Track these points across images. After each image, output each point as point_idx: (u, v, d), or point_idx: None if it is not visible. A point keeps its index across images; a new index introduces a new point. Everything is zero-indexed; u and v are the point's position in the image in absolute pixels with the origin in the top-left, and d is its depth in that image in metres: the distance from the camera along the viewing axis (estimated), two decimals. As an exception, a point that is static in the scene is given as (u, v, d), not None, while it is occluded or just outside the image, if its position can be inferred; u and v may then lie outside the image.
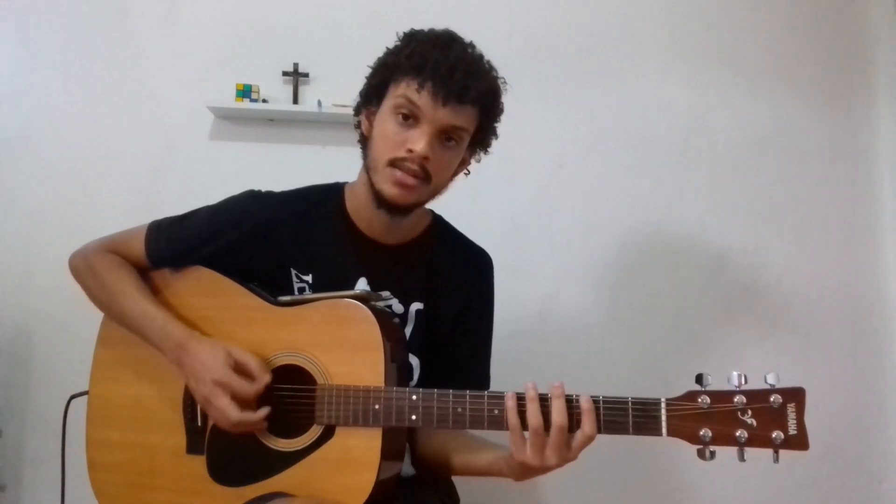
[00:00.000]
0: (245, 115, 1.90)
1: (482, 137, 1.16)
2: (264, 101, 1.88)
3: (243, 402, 1.02)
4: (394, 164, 1.06)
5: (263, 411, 1.03)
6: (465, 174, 1.21)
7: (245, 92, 1.86)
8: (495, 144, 1.93)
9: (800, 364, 1.95)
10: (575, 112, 1.99)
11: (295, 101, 1.90)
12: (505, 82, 1.15)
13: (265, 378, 1.03)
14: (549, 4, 2.01)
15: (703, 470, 1.92)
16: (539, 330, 1.92)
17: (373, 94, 1.12)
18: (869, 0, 2.08)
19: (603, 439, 1.88)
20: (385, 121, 1.08)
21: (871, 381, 1.99)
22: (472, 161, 1.20)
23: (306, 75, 1.91)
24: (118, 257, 1.18)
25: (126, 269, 1.16)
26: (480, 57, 1.11)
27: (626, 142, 1.99)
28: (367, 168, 1.12)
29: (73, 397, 1.24)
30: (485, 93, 1.08)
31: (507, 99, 2.07)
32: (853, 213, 2.03)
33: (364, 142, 1.15)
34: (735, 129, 2.01)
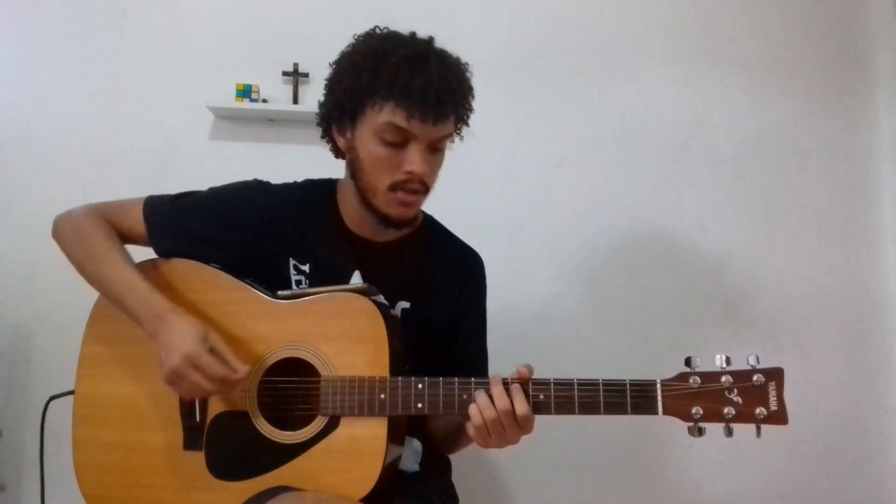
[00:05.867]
0: (245, 115, 1.90)
1: (460, 128, 1.16)
2: (264, 101, 1.88)
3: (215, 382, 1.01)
4: (395, 187, 1.08)
5: (244, 369, 1.01)
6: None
7: (245, 92, 1.86)
8: (495, 145, 1.95)
9: (800, 364, 1.95)
10: (575, 112, 1.99)
11: (295, 101, 1.90)
12: (469, 68, 1.12)
13: (242, 368, 1.02)
14: (549, 4, 2.01)
15: (703, 470, 1.92)
16: (539, 330, 1.92)
17: (342, 115, 1.10)
18: (869, 0, 2.09)
19: (602, 441, 1.90)
20: (371, 144, 1.07)
21: (871, 381, 1.99)
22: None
23: (306, 75, 1.91)
24: (108, 225, 1.16)
25: (115, 238, 1.15)
26: (457, 63, 1.09)
27: (626, 142, 1.99)
28: (361, 189, 1.12)
29: (52, 398, 1.20)
30: (464, 99, 1.09)
31: (506, 99, 2.07)
32: (853, 213, 2.03)
33: (339, 154, 1.16)
34: (735, 129, 2.01)
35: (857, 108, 2.06)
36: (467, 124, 1.16)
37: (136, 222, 1.17)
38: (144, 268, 1.14)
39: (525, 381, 1.00)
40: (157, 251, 1.18)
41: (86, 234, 1.14)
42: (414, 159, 1.05)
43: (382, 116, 1.04)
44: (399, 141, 1.05)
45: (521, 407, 0.97)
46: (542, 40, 2.00)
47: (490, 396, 0.99)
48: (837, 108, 2.05)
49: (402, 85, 1.01)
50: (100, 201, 1.21)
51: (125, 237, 1.17)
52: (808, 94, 2.04)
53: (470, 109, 1.14)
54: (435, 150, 1.09)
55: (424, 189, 1.10)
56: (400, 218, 1.12)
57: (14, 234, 1.85)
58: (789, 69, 2.04)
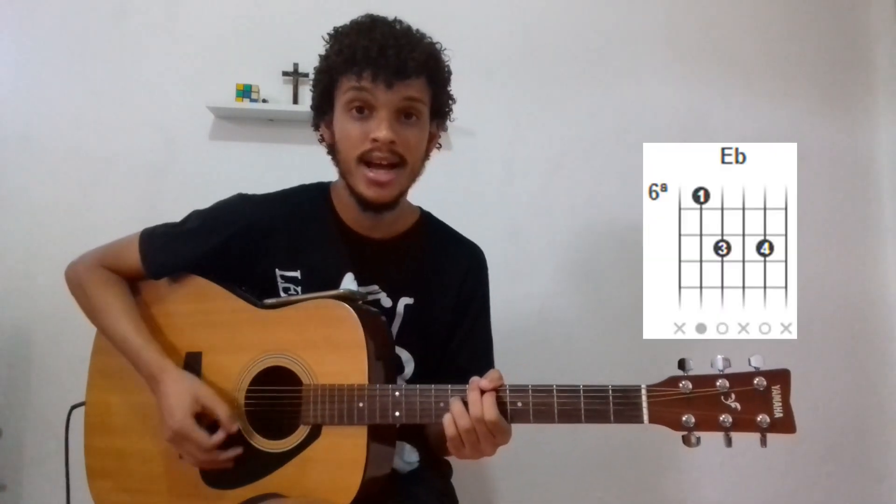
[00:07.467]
0: (245, 115, 1.90)
1: (439, 105, 1.16)
2: (264, 101, 1.88)
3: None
4: (363, 159, 1.07)
5: (232, 452, 1.05)
6: (438, 148, 1.22)
7: (245, 92, 1.86)
8: (495, 145, 1.95)
9: (800, 364, 1.94)
10: (575, 112, 1.99)
11: (295, 101, 1.90)
12: (443, 47, 1.14)
13: (231, 427, 1.04)
14: (550, 4, 2.01)
15: (703, 470, 1.92)
16: (539, 329, 1.92)
17: (323, 104, 1.14)
18: (869, 0, 2.08)
19: (601, 442, 1.89)
20: (342, 122, 1.10)
21: (871, 381, 1.99)
22: (440, 133, 1.21)
23: (306, 75, 1.90)
24: (107, 272, 1.18)
25: (113, 285, 1.17)
26: (408, 28, 1.10)
27: (626, 142, 1.99)
28: (342, 173, 1.14)
29: (73, 407, 1.24)
30: (424, 60, 1.07)
31: (506, 99, 2.06)
32: (853, 213, 2.03)
33: (332, 151, 1.16)
34: (735, 129, 2.01)
35: (857, 108, 2.06)
36: (447, 97, 1.16)
37: (135, 260, 1.17)
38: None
39: (499, 387, 0.95)
40: (154, 279, 1.19)
41: (85, 288, 1.17)
42: (377, 126, 1.05)
43: (343, 88, 1.08)
44: (363, 109, 1.07)
45: (490, 412, 0.93)
46: (542, 40, 2.00)
47: (465, 404, 0.95)
48: (837, 108, 2.05)
49: (349, 52, 1.05)
50: (101, 246, 1.21)
51: (131, 277, 1.19)
52: (808, 94, 2.04)
53: (440, 76, 1.13)
54: (405, 118, 1.08)
55: (400, 161, 1.08)
56: (375, 199, 1.09)
57: (14, 234, 1.85)
58: (789, 69, 2.04)
